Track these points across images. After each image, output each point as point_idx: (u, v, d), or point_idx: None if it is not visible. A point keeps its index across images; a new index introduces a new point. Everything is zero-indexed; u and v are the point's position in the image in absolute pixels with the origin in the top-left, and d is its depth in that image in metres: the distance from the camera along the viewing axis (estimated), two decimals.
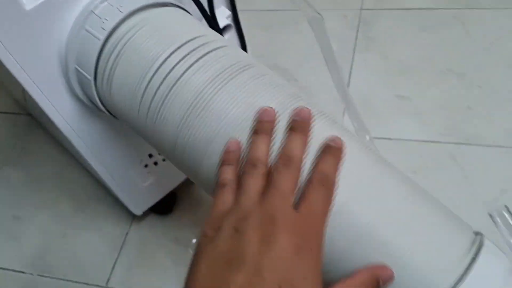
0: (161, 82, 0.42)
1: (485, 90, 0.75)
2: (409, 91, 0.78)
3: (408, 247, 0.36)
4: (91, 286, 0.70)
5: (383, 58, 0.83)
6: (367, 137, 0.70)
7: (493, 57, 0.79)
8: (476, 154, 0.69)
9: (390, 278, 0.33)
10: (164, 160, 0.66)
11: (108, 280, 0.71)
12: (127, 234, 0.74)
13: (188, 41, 0.44)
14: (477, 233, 0.40)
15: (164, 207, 0.73)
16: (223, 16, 0.58)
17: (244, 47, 0.64)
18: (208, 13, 0.54)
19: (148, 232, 0.74)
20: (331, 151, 0.35)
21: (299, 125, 0.36)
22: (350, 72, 0.83)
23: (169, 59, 0.43)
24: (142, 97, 0.43)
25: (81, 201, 0.80)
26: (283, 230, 0.30)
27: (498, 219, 0.36)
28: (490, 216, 0.37)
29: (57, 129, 0.54)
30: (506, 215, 0.36)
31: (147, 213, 0.72)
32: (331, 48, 0.62)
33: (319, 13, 0.60)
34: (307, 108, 0.38)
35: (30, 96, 0.49)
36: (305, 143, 0.35)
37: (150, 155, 0.65)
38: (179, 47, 0.43)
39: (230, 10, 0.60)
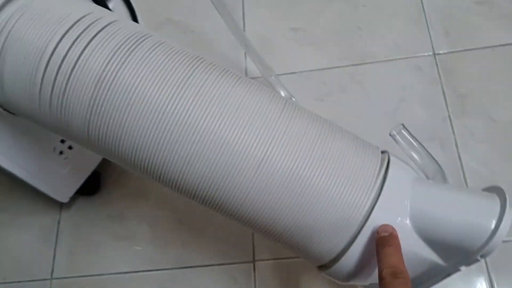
0: (57, 72, 0.41)
1: (370, 8, 0.79)
2: (302, 22, 0.80)
3: (329, 180, 0.40)
4: (36, 281, 0.69)
5: None
6: (273, 77, 0.72)
7: None
8: (372, 71, 0.74)
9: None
10: None
11: (52, 271, 0.70)
12: (59, 222, 0.73)
13: (76, 22, 0.42)
14: (383, 152, 0.45)
15: (90, 187, 0.72)
16: None
17: (133, 13, 0.62)
18: None
19: (80, 215, 0.73)
20: (389, 242, 0.38)
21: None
22: (243, 12, 0.83)
23: (59, 46, 0.41)
24: (40, 90, 0.42)
25: (0, 201, 0.76)
26: None
27: (398, 137, 0.41)
28: (391, 136, 0.41)
29: None
30: (404, 132, 0.41)
31: (75, 196, 0.71)
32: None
33: None
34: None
35: None
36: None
37: (62, 141, 0.63)
38: (67, 31, 0.42)
39: None
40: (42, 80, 0.41)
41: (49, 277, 0.70)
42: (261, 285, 0.65)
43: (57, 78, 0.41)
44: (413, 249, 0.40)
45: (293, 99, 0.73)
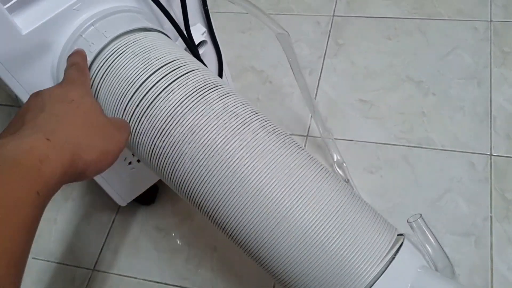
0: (141, 100, 0.50)
1: (439, 97, 0.83)
2: (371, 96, 0.85)
3: (341, 245, 0.45)
4: (81, 268, 0.78)
5: (350, 63, 0.91)
6: (331, 140, 0.78)
7: (448, 66, 0.86)
8: (426, 156, 0.77)
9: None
10: None
11: (96, 263, 0.79)
12: (113, 221, 0.82)
13: (165, 65, 0.51)
14: (400, 234, 0.49)
15: (147, 198, 0.81)
16: (199, 32, 0.64)
17: (220, 59, 0.71)
18: (184, 33, 0.61)
19: (132, 220, 0.82)
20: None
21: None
22: (320, 76, 0.90)
23: (148, 80, 0.50)
24: (124, 111, 0.51)
25: (70, 190, 0.87)
26: None
27: (414, 225, 0.44)
28: (408, 223, 0.45)
29: None
30: (421, 222, 0.44)
31: (132, 203, 0.80)
32: (297, 62, 0.69)
33: (285, 30, 0.67)
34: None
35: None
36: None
37: (133, 154, 0.72)
38: (156, 70, 0.50)
39: (205, 26, 0.67)
40: (127, 104, 0.50)
41: (92, 267, 0.78)
42: None
43: (140, 104, 0.49)
44: None
45: (344, 164, 0.77)
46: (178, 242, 0.78)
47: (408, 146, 0.79)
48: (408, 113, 0.82)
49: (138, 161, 0.73)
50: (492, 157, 0.75)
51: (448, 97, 0.82)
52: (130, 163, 0.73)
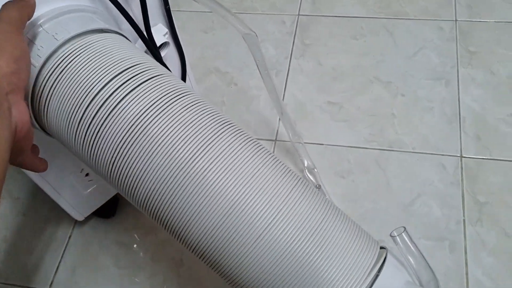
0: (97, 111, 0.45)
1: (408, 98, 0.81)
2: (340, 97, 0.83)
3: (324, 263, 0.42)
4: None
5: (317, 64, 0.88)
6: (301, 144, 0.75)
7: (416, 66, 0.85)
8: (397, 159, 0.75)
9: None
10: None
11: (52, 282, 0.73)
12: (69, 237, 0.76)
13: (125, 70, 0.46)
14: (382, 247, 0.46)
15: (107, 210, 0.75)
16: (160, 34, 0.60)
17: (183, 61, 0.67)
18: (145, 34, 0.56)
19: (91, 235, 0.76)
20: None
21: None
22: (287, 77, 0.87)
23: (105, 88, 0.45)
24: (78, 124, 0.45)
25: (21, 204, 0.81)
26: None
27: (398, 239, 0.42)
28: (392, 237, 0.42)
29: None
30: (405, 236, 0.42)
31: (90, 215, 0.74)
32: (265, 64, 0.66)
33: (253, 31, 0.63)
34: None
35: None
36: None
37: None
38: (115, 76, 0.46)
39: (167, 27, 0.62)
40: (83, 115, 0.45)
41: (48, 287, 0.72)
42: None
43: (96, 116, 0.44)
44: None
45: (315, 170, 0.75)
46: (141, 256, 0.73)
47: (379, 149, 0.77)
48: (377, 115, 0.80)
49: None
50: (463, 158, 0.74)
51: (417, 98, 0.81)
52: (87, 174, 0.67)
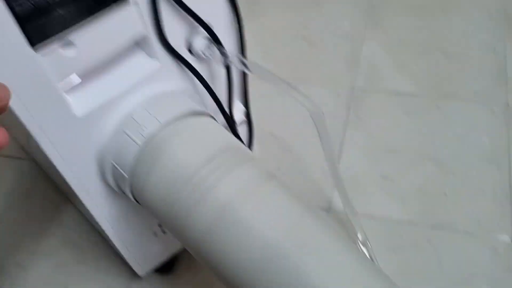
0: (193, 190, 0.49)
1: (459, 178, 0.84)
2: (392, 172, 0.86)
3: None
4: None
5: (370, 137, 0.92)
6: (355, 216, 0.78)
7: (468, 146, 0.88)
8: (449, 239, 0.77)
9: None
10: None
11: None
12: None
13: (218, 154, 0.51)
14: None
15: (165, 266, 0.79)
16: (239, 112, 0.65)
17: (251, 136, 0.71)
18: (227, 112, 0.61)
19: None
20: None
21: None
22: (341, 150, 0.91)
23: (201, 171, 0.49)
24: (173, 201, 0.50)
25: (83, 252, 0.85)
26: None
27: None
28: None
29: (81, 203, 0.60)
30: None
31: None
32: (330, 142, 0.70)
33: (320, 109, 0.68)
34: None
35: (59, 175, 0.54)
36: None
37: (160, 225, 0.71)
38: (210, 160, 0.50)
39: (243, 104, 0.67)
40: (179, 193, 0.49)
41: None
42: None
43: (191, 195, 0.49)
44: None
45: (368, 243, 0.77)
46: None
47: (431, 226, 0.79)
48: (429, 193, 0.83)
49: (164, 232, 0.72)
50: None
51: (469, 179, 0.84)
52: (155, 233, 0.71)
